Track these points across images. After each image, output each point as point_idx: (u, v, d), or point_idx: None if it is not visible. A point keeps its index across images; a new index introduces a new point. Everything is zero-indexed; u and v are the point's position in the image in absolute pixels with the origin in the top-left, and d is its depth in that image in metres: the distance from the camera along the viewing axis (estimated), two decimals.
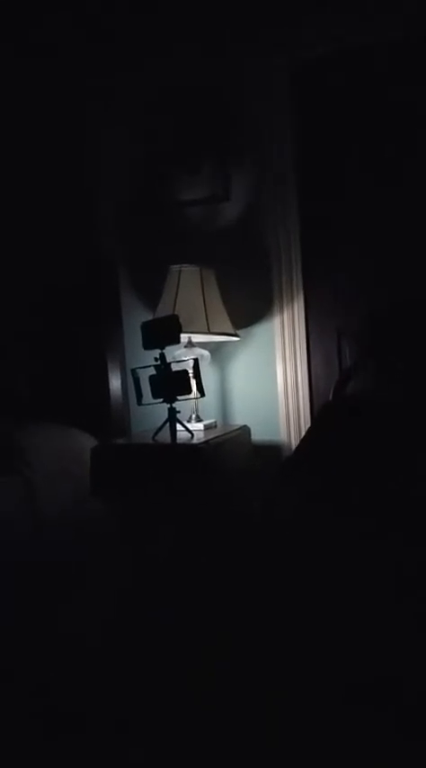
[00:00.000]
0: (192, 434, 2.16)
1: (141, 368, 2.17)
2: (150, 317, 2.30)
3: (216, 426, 2.40)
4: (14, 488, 2.12)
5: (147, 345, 2.12)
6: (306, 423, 2.39)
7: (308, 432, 2.02)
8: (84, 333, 2.60)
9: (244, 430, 2.37)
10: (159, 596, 1.06)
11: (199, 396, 2.16)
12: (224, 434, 2.20)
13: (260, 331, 2.47)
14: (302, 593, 0.93)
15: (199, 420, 2.30)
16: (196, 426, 2.26)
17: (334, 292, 2.40)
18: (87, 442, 2.41)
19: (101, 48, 2.55)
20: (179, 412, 2.14)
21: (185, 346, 2.29)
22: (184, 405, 2.18)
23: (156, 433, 2.19)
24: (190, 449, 2.01)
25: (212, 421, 2.40)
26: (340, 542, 1.09)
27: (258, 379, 2.48)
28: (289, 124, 2.37)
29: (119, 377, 2.64)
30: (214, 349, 2.48)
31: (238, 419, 2.52)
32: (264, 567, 1.09)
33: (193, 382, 2.08)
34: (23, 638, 0.99)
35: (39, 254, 2.66)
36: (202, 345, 2.37)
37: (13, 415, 2.55)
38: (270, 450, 2.45)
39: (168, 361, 2.09)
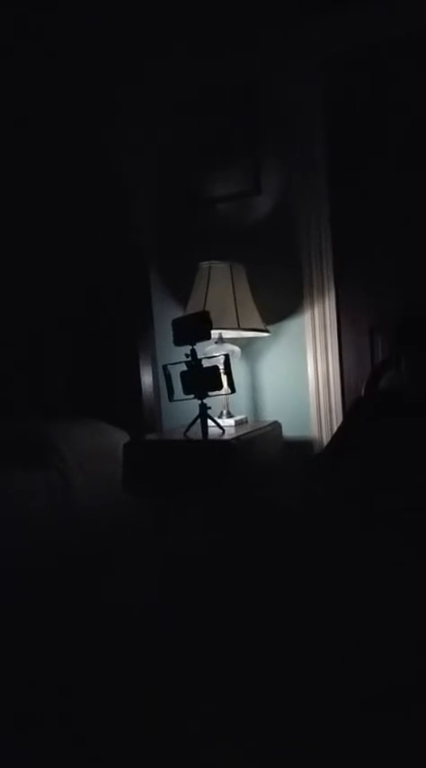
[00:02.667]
0: (224, 430, 2.17)
1: (172, 364, 2.19)
2: (181, 314, 2.31)
3: (247, 422, 2.40)
4: (50, 483, 2.17)
5: (178, 342, 2.14)
6: (337, 418, 2.37)
7: (340, 428, 2.01)
8: (117, 330, 2.64)
9: (276, 425, 2.37)
10: (191, 591, 1.07)
11: (229, 392, 2.17)
12: (255, 430, 2.20)
13: (291, 326, 2.46)
14: (323, 597, 0.93)
15: (230, 416, 2.31)
16: (227, 422, 2.26)
17: (367, 287, 2.37)
18: (120, 437, 2.44)
19: (132, 45, 2.56)
20: (210, 408, 2.15)
21: (216, 342, 2.29)
22: (215, 401, 2.19)
23: (188, 429, 2.21)
24: (222, 444, 2.02)
25: (243, 417, 2.40)
26: (365, 551, 1.08)
27: (289, 374, 2.47)
28: (320, 119, 2.35)
29: (150, 373, 2.66)
30: (245, 345, 2.48)
31: (269, 415, 2.51)
32: (292, 564, 1.09)
33: (224, 378, 2.08)
34: (54, 628, 1.01)
35: (71, 253, 2.71)
36: (233, 341, 2.37)
37: (48, 411, 2.60)
38: (302, 446, 2.44)
39: (199, 357, 2.10)
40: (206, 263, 2.28)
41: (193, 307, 2.26)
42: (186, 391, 2.13)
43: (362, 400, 2.15)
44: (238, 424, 2.30)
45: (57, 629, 1.00)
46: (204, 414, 2.14)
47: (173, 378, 2.18)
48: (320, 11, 2.27)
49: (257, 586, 1.03)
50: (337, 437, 1.94)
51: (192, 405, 2.16)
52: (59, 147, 2.71)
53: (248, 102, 2.44)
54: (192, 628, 0.91)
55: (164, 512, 2.13)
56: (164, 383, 2.23)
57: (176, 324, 2.15)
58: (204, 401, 2.13)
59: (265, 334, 2.35)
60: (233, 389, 2.16)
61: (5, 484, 2.05)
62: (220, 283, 2.24)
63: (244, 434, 2.11)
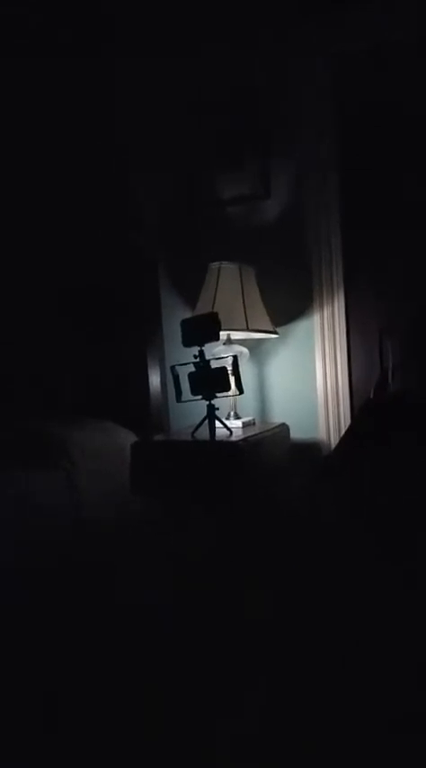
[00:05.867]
0: (231, 432, 2.17)
1: (180, 365, 2.19)
2: (190, 315, 2.31)
3: (254, 424, 2.40)
4: (58, 483, 2.17)
5: (187, 343, 2.14)
6: (345, 422, 2.36)
7: (347, 431, 2.00)
8: (125, 331, 2.64)
9: (283, 427, 2.36)
10: (195, 593, 1.07)
11: (237, 393, 2.17)
12: (262, 432, 2.20)
13: (299, 328, 2.45)
14: (334, 603, 0.93)
15: (237, 417, 2.31)
16: (234, 424, 2.26)
17: (377, 291, 2.36)
18: (127, 438, 2.44)
19: (139, 46, 2.57)
20: (217, 409, 2.14)
21: (224, 343, 2.29)
22: (223, 402, 2.19)
23: (195, 430, 2.21)
24: (229, 446, 2.01)
25: (251, 418, 2.40)
26: (370, 555, 1.08)
27: (297, 376, 2.47)
28: (331, 121, 2.35)
29: (158, 374, 2.67)
30: (253, 346, 2.48)
31: (277, 417, 2.51)
32: (298, 567, 1.09)
33: (232, 379, 2.08)
34: (56, 628, 1.01)
35: (80, 254, 2.71)
36: (241, 343, 2.37)
37: (56, 411, 2.61)
38: (309, 449, 2.43)
39: (207, 358, 2.10)
40: (215, 263, 2.28)
41: (202, 308, 2.26)
42: (194, 392, 2.13)
43: (371, 403, 2.14)
44: (246, 425, 2.30)
45: (60, 629, 1.00)
46: (212, 415, 2.14)
47: (180, 379, 2.18)
48: (321, 10, 2.26)
49: (262, 588, 1.02)
50: (345, 440, 1.93)
51: (200, 406, 2.16)
52: (66, 148, 2.72)
53: (257, 104, 2.44)
54: (196, 631, 0.91)
55: (171, 512, 2.13)
56: (173, 384, 2.23)
57: (185, 324, 2.15)
58: (212, 402, 2.12)
59: (274, 336, 2.35)
60: (241, 391, 2.15)
61: (13, 483, 2.06)
62: (229, 284, 2.24)
63: (252, 436, 2.10)
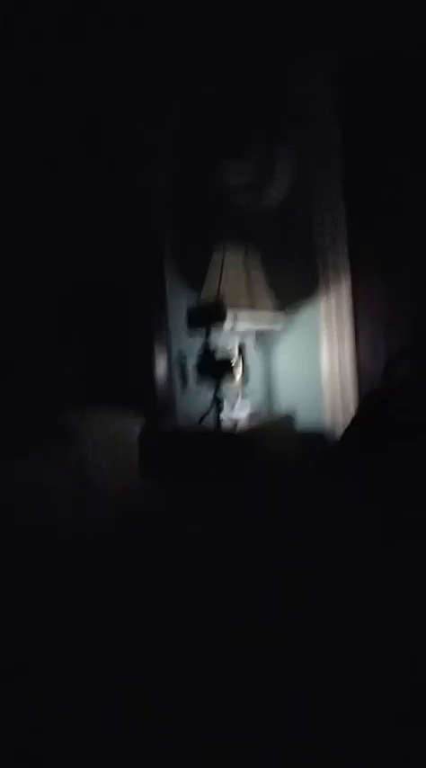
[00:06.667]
0: (237, 420, 2.17)
1: (186, 354, 2.18)
2: (195, 301, 2.30)
3: (260, 411, 2.40)
4: (69, 471, 2.18)
5: (192, 330, 2.13)
6: (351, 409, 2.36)
7: (353, 420, 2.00)
8: (130, 318, 2.64)
9: (289, 416, 2.36)
10: (203, 578, 1.08)
11: (243, 381, 2.17)
12: (268, 420, 2.20)
13: (304, 315, 2.44)
14: (337, 594, 0.93)
15: (243, 406, 2.31)
16: (240, 411, 2.26)
17: (383, 277, 2.34)
18: (134, 426, 2.45)
19: (145, 37, 2.53)
20: (224, 398, 2.15)
21: (230, 330, 2.29)
22: (229, 390, 2.19)
23: (202, 419, 2.21)
24: (235, 435, 2.02)
25: (256, 407, 2.40)
26: (374, 546, 1.08)
27: (303, 364, 2.46)
28: (334, 108, 2.30)
29: (165, 362, 2.67)
30: (258, 335, 2.47)
31: (283, 404, 2.51)
32: (304, 560, 1.09)
33: (238, 368, 2.08)
34: (67, 616, 1.03)
35: (83, 239, 2.70)
36: (247, 331, 2.36)
37: (63, 400, 2.61)
38: (315, 436, 2.43)
39: (213, 346, 2.10)
40: (220, 248, 2.27)
41: (207, 292, 2.25)
42: (200, 381, 2.13)
43: (377, 391, 2.13)
44: (251, 414, 2.30)
45: (70, 617, 1.02)
46: (218, 402, 2.14)
47: (187, 368, 2.19)
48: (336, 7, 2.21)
49: (266, 577, 1.03)
50: (350, 429, 1.93)
51: (206, 394, 2.17)
52: (70, 133, 2.70)
53: (261, 91, 2.40)
54: (201, 617, 0.92)
55: (178, 499, 2.15)
56: (179, 373, 2.23)
57: (191, 312, 2.15)
58: (218, 390, 2.13)
59: (279, 325, 2.34)
60: (246, 379, 2.15)
61: (22, 471, 2.07)
62: (234, 269, 2.23)
63: (258, 424, 2.11)
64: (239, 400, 2.32)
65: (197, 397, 2.37)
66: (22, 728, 0.72)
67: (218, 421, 2.14)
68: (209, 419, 2.17)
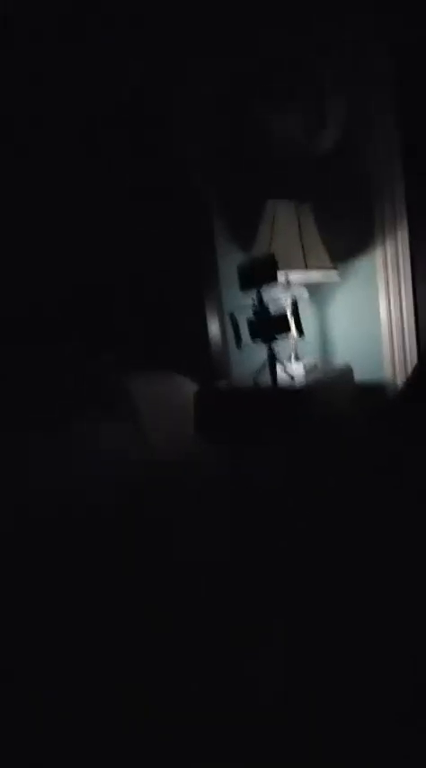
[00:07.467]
0: (293, 376, 2.14)
1: (239, 311, 2.15)
2: (246, 258, 2.26)
3: (317, 366, 2.36)
4: (127, 432, 2.22)
5: (244, 287, 2.10)
6: (412, 360, 2.28)
7: (414, 371, 1.93)
8: (181, 277, 2.62)
9: (347, 369, 2.31)
10: (265, 536, 1.08)
11: (298, 335, 2.12)
12: (326, 374, 2.16)
13: (361, 266, 2.35)
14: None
15: (298, 359, 2.27)
16: (296, 367, 2.22)
17: None
18: (189, 386, 2.45)
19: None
20: (278, 355, 2.11)
21: (283, 287, 2.23)
22: (284, 347, 2.15)
23: (257, 376, 2.19)
24: (293, 390, 1.99)
25: (313, 361, 2.35)
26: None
27: (360, 316, 2.38)
28: (390, 57, 2.16)
29: (217, 321, 2.64)
30: (313, 290, 2.40)
31: (340, 359, 2.45)
32: (365, 515, 1.07)
33: (292, 323, 2.04)
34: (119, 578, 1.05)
35: (132, 200, 2.68)
36: (301, 286, 2.30)
37: (118, 361, 2.64)
38: (375, 389, 2.37)
39: (266, 303, 2.06)
40: (270, 202, 2.20)
41: (259, 249, 2.20)
42: (254, 337, 2.11)
43: None
44: (308, 368, 2.26)
45: (123, 580, 1.04)
46: (272, 358, 2.11)
47: (240, 325, 2.16)
48: None
49: (327, 538, 1.02)
50: (411, 381, 1.87)
51: (261, 352, 2.14)
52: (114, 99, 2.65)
53: (307, 29, 2.27)
54: (260, 575, 0.92)
55: (237, 458, 2.15)
56: (232, 330, 2.21)
57: (242, 268, 2.11)
58: (272, 346, 2.09)
59: (334, 277, 2.27)
60: (301, 333, 2.11)
61: (81, 433, 2.12)
62: (286, 223, 2.16)
63: (315, 379, 2.07)
64: (294, 356, 2.27)
65: (251, 354, 2.35)
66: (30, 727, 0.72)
67: (275, 378, 2.11)
68: (264, 376, 2.15)
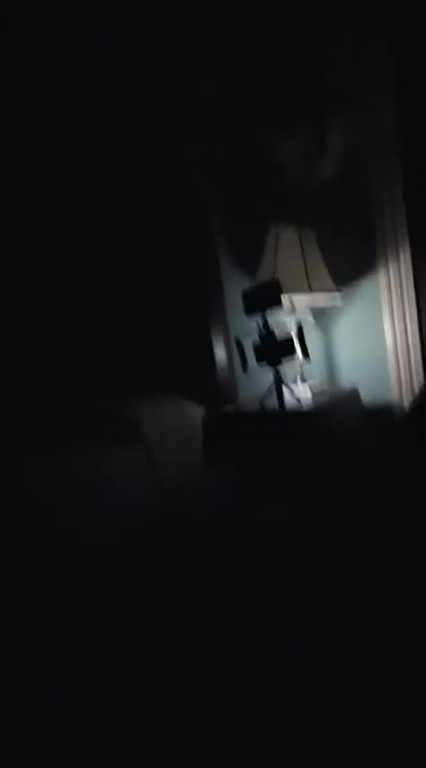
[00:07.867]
0: (299, 399, 2.14)
1: (244, 335, 2.17)
2: (251, 284, 2.28)
3: (323, 389, 2.36)
4: (138, 458, 2.22)
5: (249, 311, 2.12)
6: (419, 380, 2.28)
7: (421, 392, 1.93)
8: (187, 303, 2.64)
9: (354, 391, 2.31)
10: (276, 563, 1.08)
11: (304, 359, 2.13)
12: (332, 397, 2.16)
13: (365, 291, 2.37)
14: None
15: (305, 384, 2.27)
16: (303, 390, 2.22)
17: None
18: (196, 410, 2.46)
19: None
20: (285, 378, 2.12)
21: (288, 310, 2.25)
22: (289, 371, 2.16)
23: (264, 399, 2.19)
24: (300, 412, 1.99)
25: (319, 383, 2.35)
26: None
27: (365, 338, 2.39)
28: (390, 79, 2.20)
29: (223, 345, 2.66)
30: (318, 314, 2.41)
31: (346, 381, 2.45)
32: (375, 538, 1.07)
33: (298, 346, 2.05)
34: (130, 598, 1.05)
35: (139, 228, 2.72)
36: (305, 309, 2.31)
37: (125, 386, 2.66)
38: (382, 411, 2.36)
39: (271, 326, 2.08)
40: (274, 228, 2.23)
41: (263, 274, 2.23)
42: (259, 359, 2.12)
43: None
44: (315, 391, 2.26)
45: (134, 598, 1.04)
46: (279, 382, 2.11)
47: (246, 349, 2.17)
48: None
49: (337, 558, 1.01)
50: (419, 401, 1.87)
51: (268, 376, 2.14)
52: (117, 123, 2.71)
53: (310, 59, 2.32)
54: (270, 596, 0.91)
55: (246, 482, 2.14)
56: (238, 355, 2.22)
57: (247, 294, 2.13)
58: (278, 369, 2.10)
59: (337, 301, 2.28)
60: (307, 356, 2.11)
61: (91, 460, 2.13)
62: (289, 248, 2.18)
63: (322, 402, 2.07)
64: (300, 379, 2.28)
65: (258, 378, 2.36)
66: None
67: (281, 401, 2.12)
68: (271, 400, 2.15)
